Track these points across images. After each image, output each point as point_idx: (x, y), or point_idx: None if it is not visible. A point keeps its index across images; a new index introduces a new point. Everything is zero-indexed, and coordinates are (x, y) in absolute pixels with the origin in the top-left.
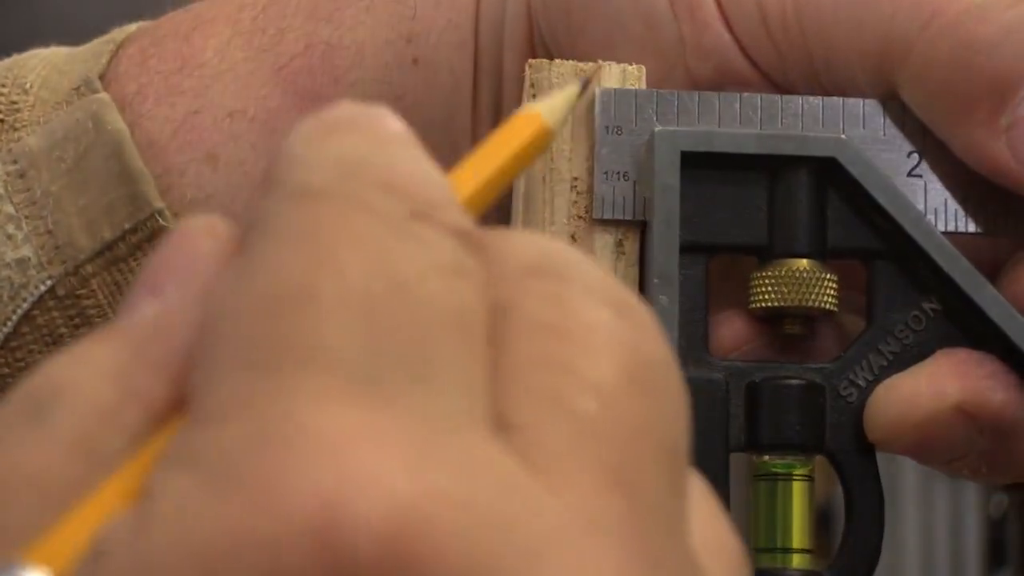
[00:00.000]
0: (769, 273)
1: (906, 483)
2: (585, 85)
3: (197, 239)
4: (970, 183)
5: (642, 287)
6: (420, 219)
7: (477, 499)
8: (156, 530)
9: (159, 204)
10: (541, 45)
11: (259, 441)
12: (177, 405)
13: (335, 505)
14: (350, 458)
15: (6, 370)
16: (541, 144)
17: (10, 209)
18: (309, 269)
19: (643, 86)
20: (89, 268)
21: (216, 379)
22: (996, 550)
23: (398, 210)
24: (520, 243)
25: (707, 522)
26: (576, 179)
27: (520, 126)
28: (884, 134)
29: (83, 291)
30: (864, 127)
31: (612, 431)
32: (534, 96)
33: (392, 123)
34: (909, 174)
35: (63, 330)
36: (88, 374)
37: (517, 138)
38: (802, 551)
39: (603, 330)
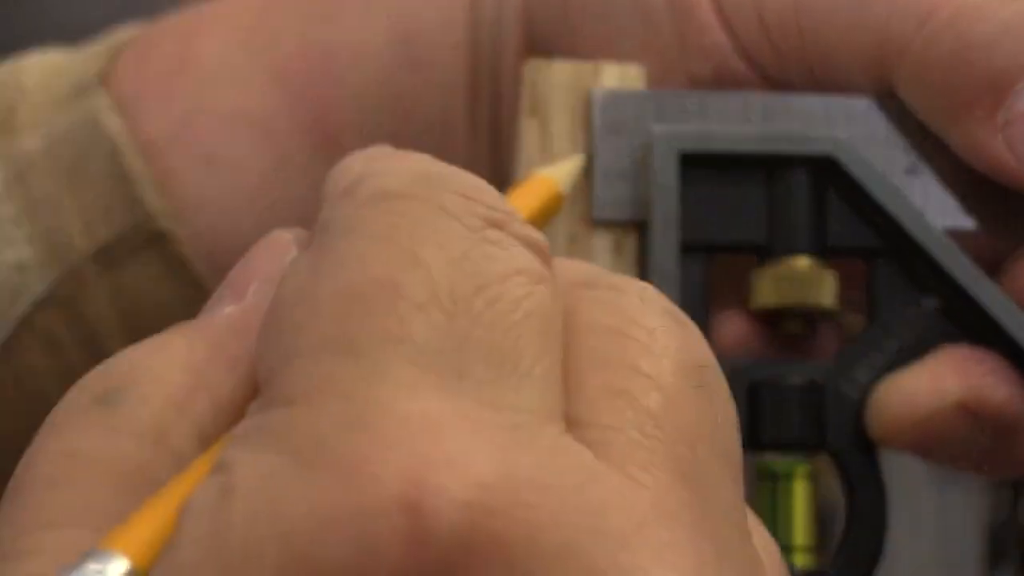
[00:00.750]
0: (769, 272)
1: (907, 482)
2: (588, 160)
3: (283, 247)
4: (969, 180)
5: None
6: (497, 226)
7: (564, 484)
8: (238, 506)
9: (158, 205)
10: (539, 45)
11: (346, 422)
12: (245, 400)
13: (423, 483)
14: (438, 440)
15: (4, 372)
16: (555, 208)
17: (8, 211)
18: (394, 264)
19: (643, 86)
20: (87, 270)
21: (295, 362)
22: (996, 550)
23: (476, 216)
24: (569, 263)
25: (753, 528)
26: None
27: (536, 187)
28: (883, 132)
29: (81, 293)
30: (863, 125)
31: (677, 428)
32: (533, 96)
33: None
34: (908, 172)
35: (62, 332)
36: (163, 364)
37: (534, 198)
38: (804, 549)
39: (662, 333)
